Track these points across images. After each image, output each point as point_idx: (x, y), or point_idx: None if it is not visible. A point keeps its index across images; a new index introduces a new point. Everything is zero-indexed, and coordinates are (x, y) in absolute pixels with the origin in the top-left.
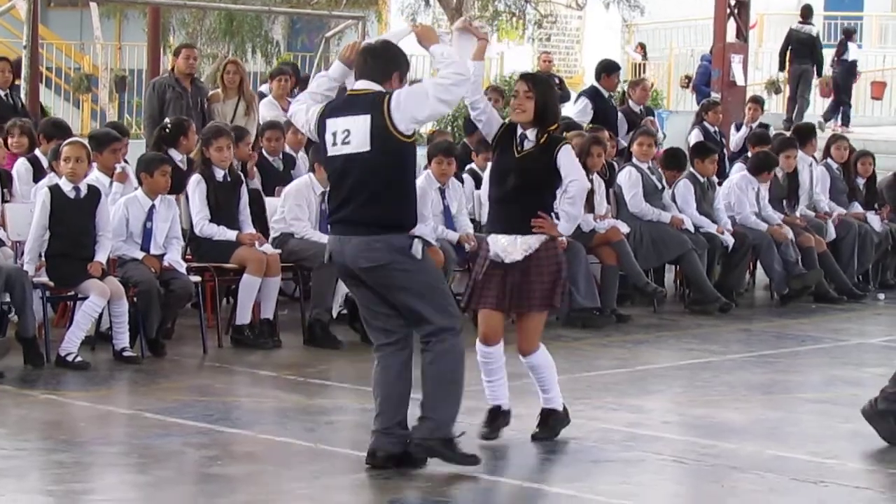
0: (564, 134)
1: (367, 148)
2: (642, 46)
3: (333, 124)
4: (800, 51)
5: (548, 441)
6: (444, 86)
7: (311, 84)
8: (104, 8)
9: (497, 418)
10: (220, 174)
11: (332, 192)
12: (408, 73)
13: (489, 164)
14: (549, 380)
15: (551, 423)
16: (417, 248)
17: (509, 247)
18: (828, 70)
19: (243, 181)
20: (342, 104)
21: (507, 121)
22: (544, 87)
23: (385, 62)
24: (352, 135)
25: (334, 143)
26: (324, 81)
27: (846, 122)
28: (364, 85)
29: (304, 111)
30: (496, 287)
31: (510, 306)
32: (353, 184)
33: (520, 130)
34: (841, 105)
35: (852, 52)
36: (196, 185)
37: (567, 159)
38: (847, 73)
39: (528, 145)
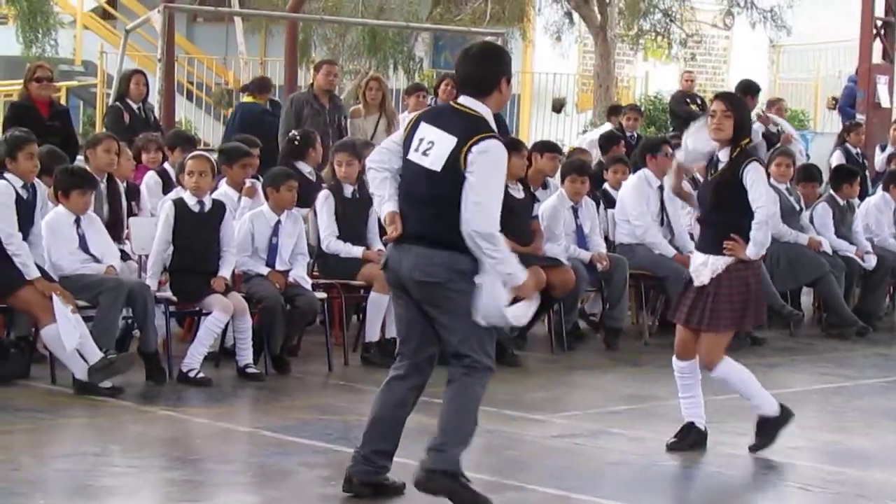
0: None
1: (439, 168)
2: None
3: (425, 130)
4: None
5: (765, 449)
6: (482, 207)
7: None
8: (249, 23)
9: (689, 434)
10: (348, 190)
11: (401, 199)
12: (511, 76)
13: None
14: (747, 388)
15: (767, 430)
16: (482, 281)
17: (701, 267)
18: None
19: (372, 198)
20: (444, 114)
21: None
22: (741, 105)
23: (489, 69)
24: (433, 148)
25: (416, 149)
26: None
27: None
28: (470, 103)
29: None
30: (689, 303)
31: (699, 323)
32: (419, 197)
33: (715, 156)
34: None
35: None
36: (324, 201)
37: (753, 178)
38: None
39: (720, 166)
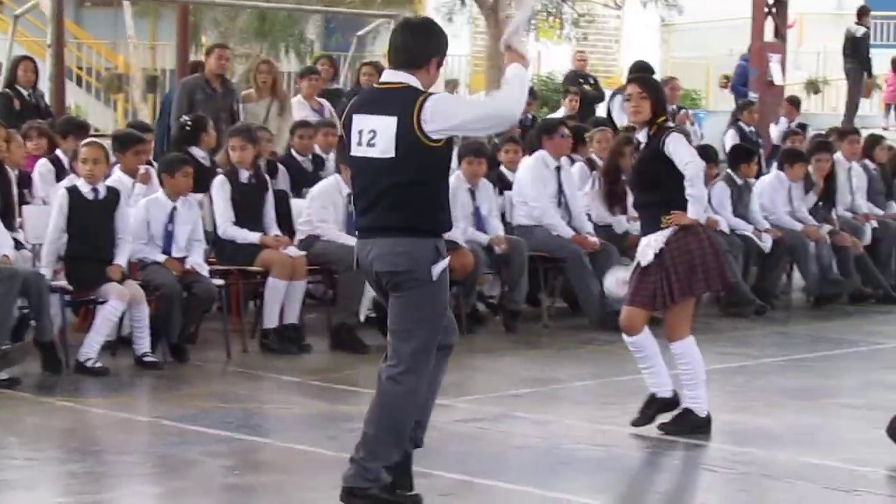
0: (588, 134)
1: (392, 154)
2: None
3: (360, 122)
4: (847, 49)
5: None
6: (487, 115)
7: None
8: (137, 7)
9: (651, 405)
10: (244, 175)
11: (356, 195)
12: (444, 58)
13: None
14: (693, 378)
15: (683, 423)
16: (437, 269)
17: (645, 248)
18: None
19: (269, 183)
20: (373, 98)
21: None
22: (655, 86)
23: (424, 44)
24: (377, 137)
25: (359, 143)
26: None
27: None
28: (396, 77)
29: None
30: (637, 285)
31: (655, 304)
32: (377, 189)
33: (635, 140)
34: None
35: None
36: (220, 187)
37: (673, 144)
38: None
39: (641, 147)
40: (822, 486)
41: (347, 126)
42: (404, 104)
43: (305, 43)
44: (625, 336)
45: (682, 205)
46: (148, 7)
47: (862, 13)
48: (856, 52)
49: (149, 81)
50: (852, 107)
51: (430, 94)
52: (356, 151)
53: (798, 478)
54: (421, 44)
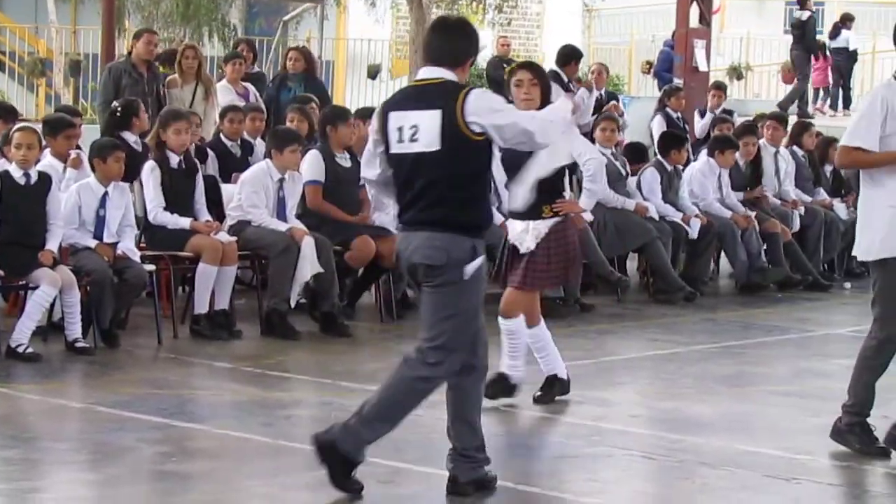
0: None
1: (437, 147)
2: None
3: (399, 118)
4: (796, 36)
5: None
6: (525, 130)
7: None
8: None
9: (553, 386)
10: (174, 160)
11: (399, 190)
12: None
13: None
14: (520, 350)
15: (502, 388)
16: (470, 268)
17: (523, 234)
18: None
19: (199, 168)
20: (411, 94)
21: None
22: (544, 73)
23: (464, 44)
24: (420, 131)
25: (400, 140)
26: None
27: (847, 105)
28: (434, 73)
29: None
30: (515, 268)
31: (522, 282)
32: (422, 184)
33: None
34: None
35: (845, 39)
36: (150, 172)
37: (576, 140)
38: (846, 59)
39: None
40: (761, 475)
41: (384, 124)
42: (447, 97)
43: (229, 27)
44: (500, 319)
45: (561, 195)
46: None
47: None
48: (803, 38)
49: (72, 66)
50: (796, 94)
51: (473, 87)
52: (397, 148)
53: (736, 466)
54: (461, 44)
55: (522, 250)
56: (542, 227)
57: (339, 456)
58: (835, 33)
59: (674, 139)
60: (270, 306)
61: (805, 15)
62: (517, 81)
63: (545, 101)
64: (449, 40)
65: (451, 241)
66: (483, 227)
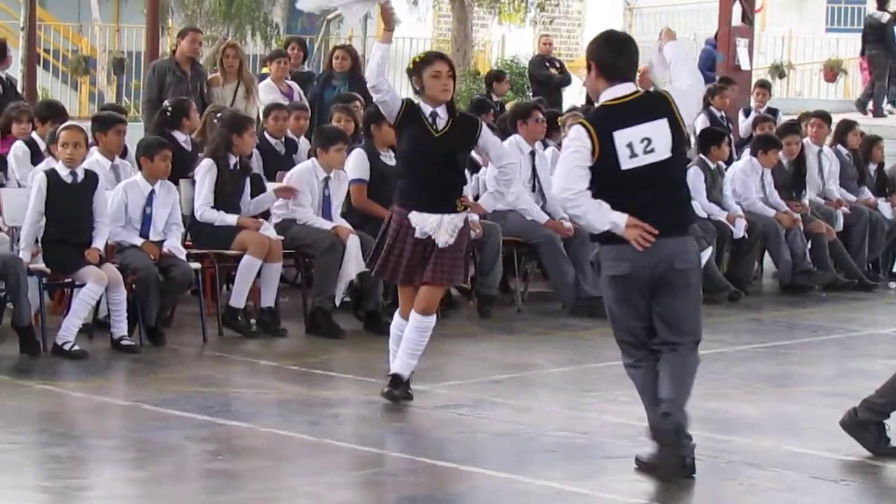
0: (561, 119)
1: (669, 154)
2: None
3: (626, 135)
4: (870, 35)
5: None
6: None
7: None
8: None
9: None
10: (232, 161)
11: (629, 200)
12: None
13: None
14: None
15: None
16: (705, 254)
17: (438, 227)
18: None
19: (251, 169)
20: (626, 112)
21: (407, 99)
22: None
23: (637, 57)
24: (654, 142)
25: (633, 155)
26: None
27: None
28: (631, 88)
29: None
30: (421, 264)
31: (433, 278)
32: (656, 192)
33: (429, 109)
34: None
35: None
36: (207, 171)
37: (493, 140)
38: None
39: (441, 123)
40: (809, 476)
41: (607, 146)
42: (662, 106)
43: (271, 26)
44: (420, 318)
45: (463, 187)
46: None
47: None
48: (882, 39)
49: (115, 64)
50: (876, 90)
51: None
52: (631, 164)
53: (784, 467)
54: (636, 58)
55: (441, 244)
56: (457, 220)
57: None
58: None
59: (712, 136)
60: (315, 305)
61: (885, 17)
62: (435, 73)
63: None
64: (630, 55)
65: (692, 243)
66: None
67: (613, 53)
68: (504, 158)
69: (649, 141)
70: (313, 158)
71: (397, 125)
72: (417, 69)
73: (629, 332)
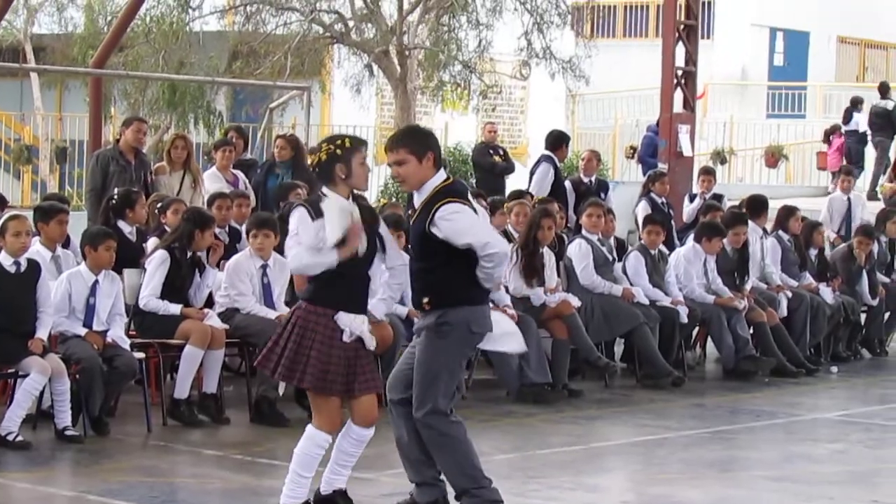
0: (507, 205)
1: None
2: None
3: None
4: (876, 124)
5: None
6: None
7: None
8: (45, 78)
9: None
10: (188, 255)
11: None
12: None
13: None
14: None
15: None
16: None
17: (362, 325)
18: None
19: (203, 265)
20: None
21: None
22: (417, 142)
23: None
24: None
25: None
26: None
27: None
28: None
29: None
30: (353, 370)
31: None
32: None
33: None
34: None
35: (856, 121)
36: (160, 263)
37: (389, 236)
38: (857, 141)
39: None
40: None
41: None
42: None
43: (215, 114)
44: (365, 431)
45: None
46: (55, 78)
47: (884, 89)
48: (887, 126)
49: (58, 153)
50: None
51: None
52: None
53: None
54: None
55: (370, 346)
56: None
57: None
58: (847, 118)
59: (645, 221)
60: (260, 394)
61: (890, 104)
62: (363, 160)
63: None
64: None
65: None
66: None
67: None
68: (396, 259)
69: None
70: (248, 247)
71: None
72: (346, 155)
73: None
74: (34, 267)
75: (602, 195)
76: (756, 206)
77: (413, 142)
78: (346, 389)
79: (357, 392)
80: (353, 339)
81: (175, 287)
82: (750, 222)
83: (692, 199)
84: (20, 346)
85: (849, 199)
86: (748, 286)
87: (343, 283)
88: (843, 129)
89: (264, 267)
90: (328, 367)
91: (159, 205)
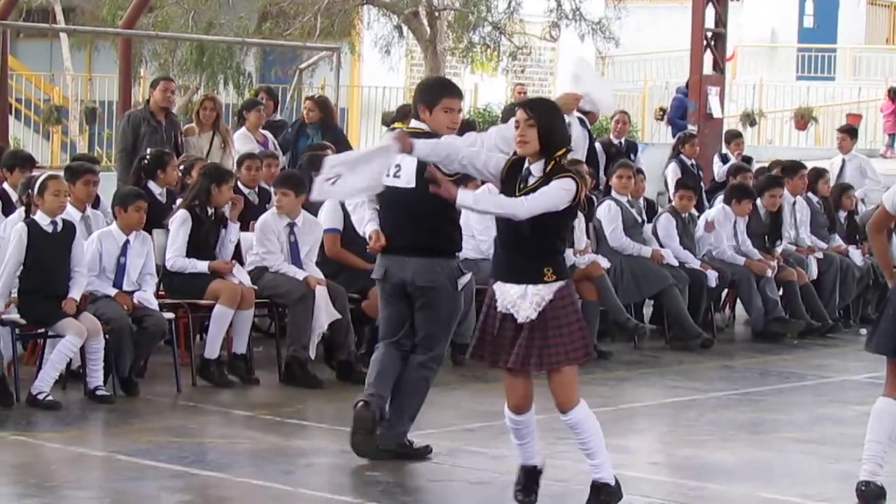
0: None
1: (413, 185)
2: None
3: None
4: None
5: None
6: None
7: None
8: (74, 39)
9: (533, 478)
10: (209, 212)
11: (385, 219)
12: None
13: None
14: (594, 443)
15: (602, 500)
16: (463, 279)
17: (520, 301)
18: None
19: (227, 218)
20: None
21: (513, 156)
22: (546, 111)
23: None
24: (402, 170)
25: (387, 175)
26: None
27: None
28: (414, 124)
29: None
30: (512, 344)
31: (538, 364)
32: (402, 214)
33: (525, 165)
34: None
35: None
36: (182, 222)
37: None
38: None
39: (532, 181)
40: None
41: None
42: None
43: (244, 75)
44: (512, 414)
45: (557, 257)
46: (84, 39)
47: None
48: None
49: (87, 113)
50: None
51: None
52: (386, 182)
53: None
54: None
55: (521, 319)
56: (544, 291)
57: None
58: None
59: (677, 185)
60: (291, 355)
61: None
62: (515, 122)
63: (548, 144)
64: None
65: (444, 263)
66: (456, 252)
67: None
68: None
69: (399, 168)
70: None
71: (501, 186)
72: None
73: (386, 326)
74: (69, 227)
75: (631, 156)
76: (791, 171)
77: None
78: (492, 361)
79: (502, 365)
80: (507, 311)
81: (200, 245)
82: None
83: (724, 159)
84: (55, 307)
85: None
86: (779, 249)
87: (497, 254)
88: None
89: (291, 225)
90: (482, 334)
91: (181, 166)
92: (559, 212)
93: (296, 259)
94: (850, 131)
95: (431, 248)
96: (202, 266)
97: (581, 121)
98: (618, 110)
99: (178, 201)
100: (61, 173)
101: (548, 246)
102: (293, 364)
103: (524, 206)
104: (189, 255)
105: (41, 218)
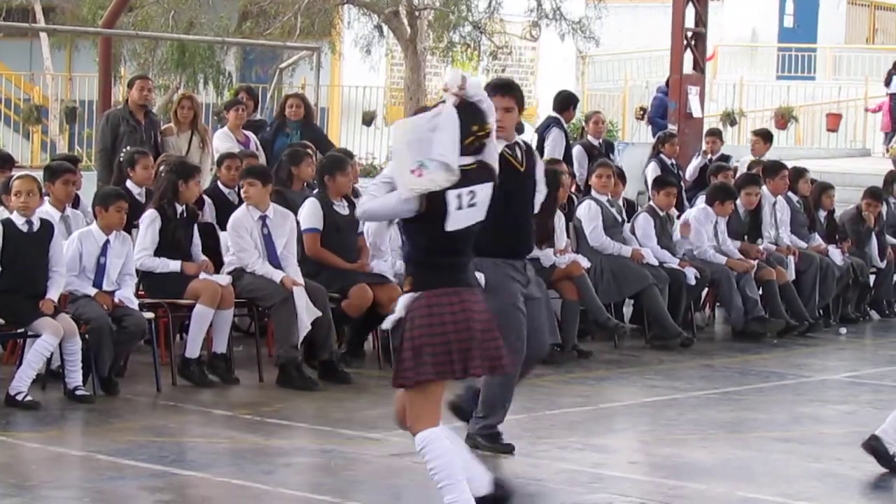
0: None
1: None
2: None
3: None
4: None
5: None
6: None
7: None
8: (54, 38)
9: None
10: (179, 209)
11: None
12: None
13: None
14: (443, 474)
15: None
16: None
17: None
18: None
19: (198, 215)
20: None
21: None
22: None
23: None
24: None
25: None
26: None
27: None
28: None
29: None
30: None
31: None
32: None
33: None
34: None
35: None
36: (151, 222)
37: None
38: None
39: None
40: None
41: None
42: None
43: (224, 75)
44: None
45: (417, 267)
46: (64, 38)
47: None
48: None
49: (67, 113)
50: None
51: None
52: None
53: None
54: None
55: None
56: (402, 302)
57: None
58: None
59: (658, 182)
60: (283, 357)
61: None
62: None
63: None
64: None
65: None
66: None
67: None
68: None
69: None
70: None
71: None
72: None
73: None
74: (47, 226)
75: (609, 156)
76: (772, 170)
77: (520, 94)
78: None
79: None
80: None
81: (172, 243)
82: (763, 186)
83: (696, 156)
84: (32, 306)
85: None
86: (760, 246)
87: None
88: (887, 91)
89: (263, 218)
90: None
91: (160, 167)
92: (413, 220)
93: (272, 254)
94: (764, 135)
95: None
96: (174, 265)
97: (557, 121)
98: (592, 112)
99: None
100: (32, 173)
101: (411, 253)
102: (288, 366)
103: (361, 207)
104: (161, 253)
105: (16, 217)
